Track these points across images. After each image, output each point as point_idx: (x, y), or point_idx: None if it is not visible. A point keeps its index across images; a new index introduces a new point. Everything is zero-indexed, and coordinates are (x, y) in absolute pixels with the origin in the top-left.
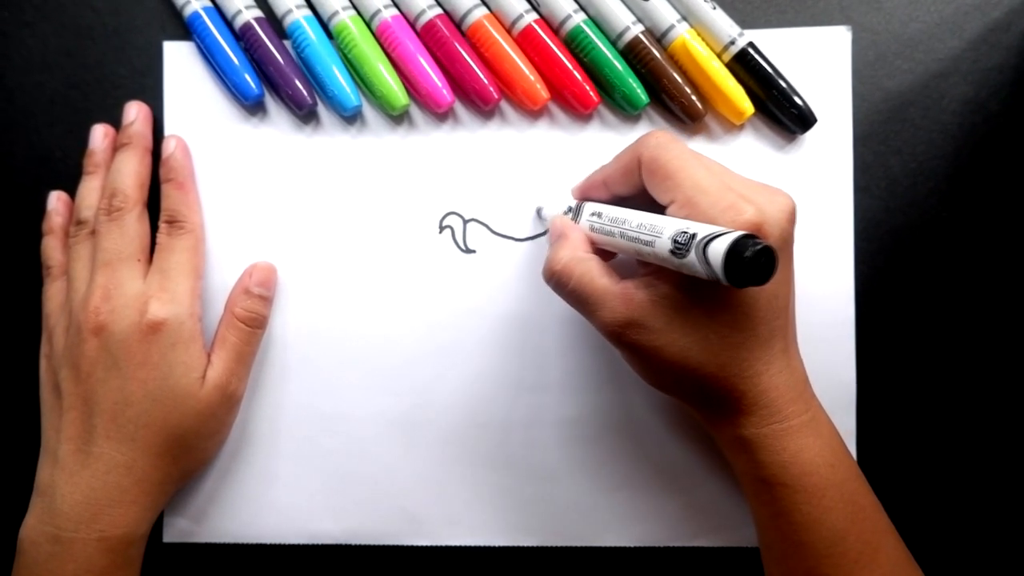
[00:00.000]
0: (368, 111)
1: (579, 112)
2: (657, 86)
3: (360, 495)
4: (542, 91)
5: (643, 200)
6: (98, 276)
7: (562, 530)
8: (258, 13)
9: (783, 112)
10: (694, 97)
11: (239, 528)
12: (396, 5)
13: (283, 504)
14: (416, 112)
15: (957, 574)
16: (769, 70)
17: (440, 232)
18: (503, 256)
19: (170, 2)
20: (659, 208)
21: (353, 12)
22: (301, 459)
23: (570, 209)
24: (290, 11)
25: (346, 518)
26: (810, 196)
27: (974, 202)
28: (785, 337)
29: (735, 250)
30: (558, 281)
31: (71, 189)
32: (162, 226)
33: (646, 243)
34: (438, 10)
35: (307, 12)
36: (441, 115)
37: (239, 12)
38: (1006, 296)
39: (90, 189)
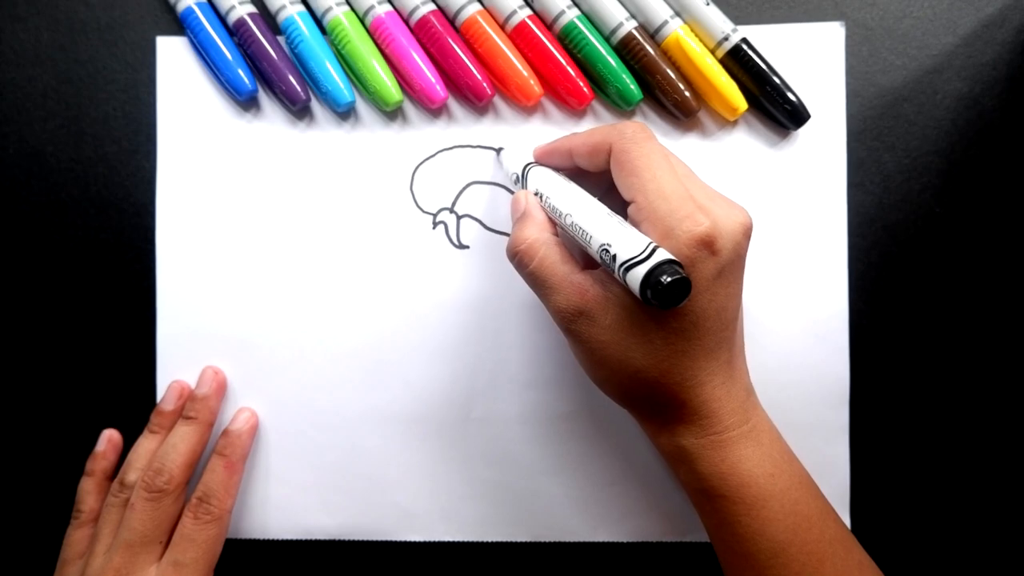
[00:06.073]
0: (362, 107)
1: (573, 108)
2: (651, 82)
3: (354, 490)
4: (536, 87)
5: (605, 178)
6: (116, 556)
7: (556, 525)
8: (252, 8)
9: (777, 108)
10: (687, 93)
11: (232, 524)
12: (390, 1)
13: (276, 499)
14: (410, 108)
15: (951, 570)
16: (763, 66)
17: (434, 228)
18: (496, 252)
19: None
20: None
21: (347, 8)
22: (294, 455)
23: (518, 179)
24: (284, 7)
25: (340, 513)
26: (804, 192)
27: (968, 198)
28: (731, 349)
29: (649, 277)
30: (520, 261)
31: (63, 186)
32: (192, 502)
33: (584, 242)
34: (431, 6)
35: (301, 8)
36: (435, 111)
37: (233, 7)
38: (1000, 291)
39: (146, 450)
